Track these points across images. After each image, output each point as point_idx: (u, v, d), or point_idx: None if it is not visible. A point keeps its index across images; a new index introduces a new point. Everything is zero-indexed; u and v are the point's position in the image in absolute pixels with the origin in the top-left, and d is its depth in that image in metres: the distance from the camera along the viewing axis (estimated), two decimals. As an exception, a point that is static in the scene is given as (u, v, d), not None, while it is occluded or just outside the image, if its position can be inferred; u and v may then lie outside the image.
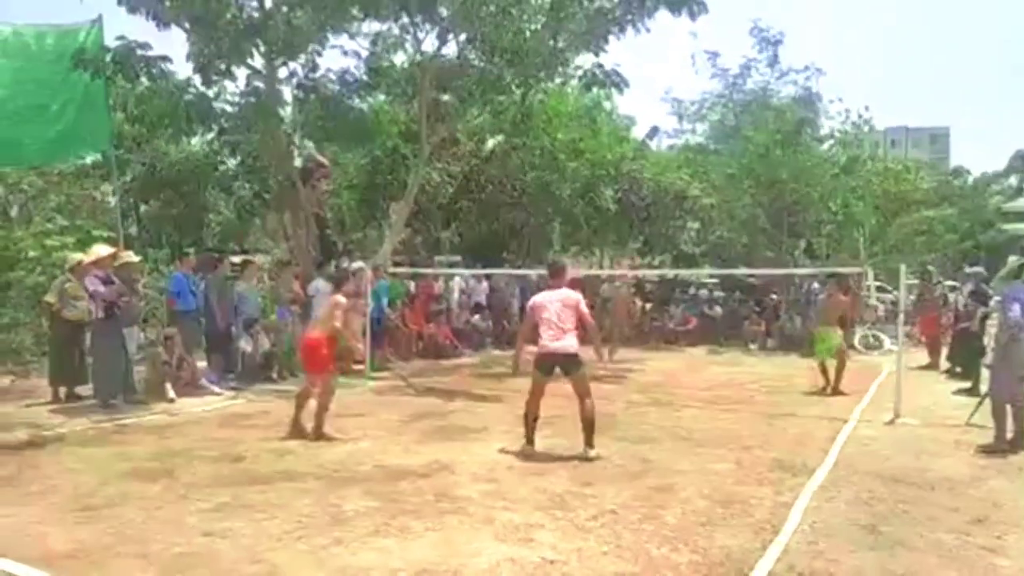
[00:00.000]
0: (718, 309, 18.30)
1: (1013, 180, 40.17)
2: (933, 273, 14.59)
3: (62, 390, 8.86)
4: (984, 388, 8.68)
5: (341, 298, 7.20)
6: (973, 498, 5.23)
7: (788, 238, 19.95)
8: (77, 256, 9.37)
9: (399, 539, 4.32)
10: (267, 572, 3.85)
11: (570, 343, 6.25)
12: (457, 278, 16.31)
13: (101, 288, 8.33)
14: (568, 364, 6.28)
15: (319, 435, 6.81)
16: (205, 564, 3.94)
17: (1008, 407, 6.68)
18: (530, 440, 6.42)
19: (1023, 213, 38.50)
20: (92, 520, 4.60)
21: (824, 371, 10.29)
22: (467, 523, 4.60)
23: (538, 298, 6.62)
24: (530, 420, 6.43)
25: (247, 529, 4.44)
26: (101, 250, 9.11)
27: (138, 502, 4.94)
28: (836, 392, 9.95)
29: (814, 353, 10.77)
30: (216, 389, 9.45)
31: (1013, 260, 7.26)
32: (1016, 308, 6.61)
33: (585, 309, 6.46)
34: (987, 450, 6.64)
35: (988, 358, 7.51)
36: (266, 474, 5.67)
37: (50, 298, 9.00)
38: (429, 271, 16.12)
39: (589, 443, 6.24)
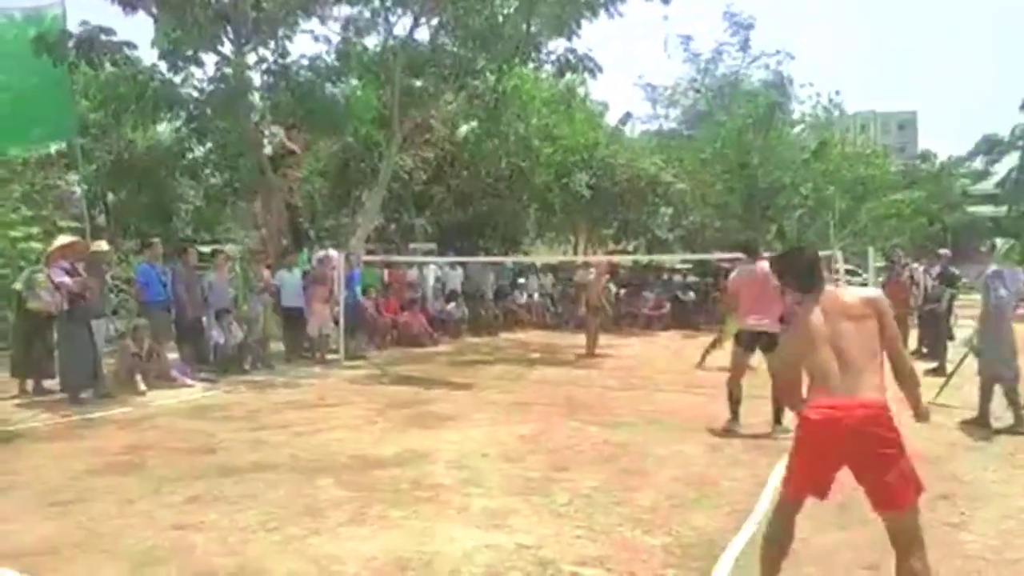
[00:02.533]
0: (691, 294, 18.45)
1: (978, 163, 40.82)
2: (901, 255, 14.78)
3: (29, 383, 8.70)
4: (949, 368, 8.89)
5: None
6: (938, 476, 5.33)
7: (760, 222, 20.16)
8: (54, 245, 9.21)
9: (374, 528, 4.31)
10: (241, 564, 3.83)
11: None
12: (432, 265, 16.27)
13: (66, 279, 8.17)
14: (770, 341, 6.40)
15: None
16: (178, 557, 3.90)
17: (997, 388, 6.83)
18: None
19: (988, 195, 39.22)
20: (61, 515, 4.53)
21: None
22: (442, 510, 4.61)
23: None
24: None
25: (221, 521, 4.40)
26: (65, 239, 8.95)
27: (108, 496, 4.88)
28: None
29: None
30: (187, 381, 9.34)
31: (1002, 243, 7.39)
32: (1002, 289, 6.74)
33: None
34: (968, 423, 6.83)
35: (974, 339, 7.60)
36: (239, 465, 5.62)
37: (17, 286, 8.81)
38: (403, 259, 16.06)
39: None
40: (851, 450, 3.07)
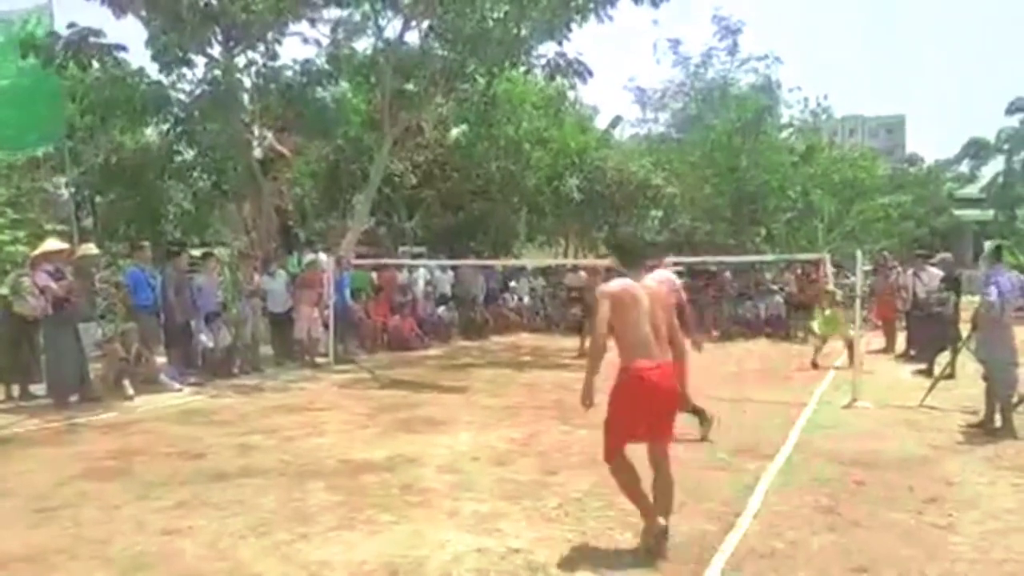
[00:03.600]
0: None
1: (965, 167, 41.10)
2: (888, 259, 14.88)
3: (15, 388, 8.62)
4: (937, 371, 8.93)
5: None
6: (927, 478, 5.38)
7: (749, 226, 20.26)
8: (39, 249, 9.16)
9: (364, 532, 4.30)
10: (230, 569, 3.81)
11: None
12: (422, 269, 16.24)
13: (51, 283, 8.11)
14: None
15: None
16: (166, 563, 3.88)
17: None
18: None
19: (974, 199, 39.49)
20: (48, 522, 4.50)
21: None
22: (432, 515, 4.60)
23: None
24: None
25: (209, 527, 4.38)
26: (52, 244, 8.89)
27: (96, 502, 4.84)
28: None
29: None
30: (175, 385, 9.28)
31: (990, 244, 7.40)
32: (993, 290, 6.71)
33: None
34: (976, 426, 6.83)
35: (972, 344, 7.60)
36: (228, 470, 5.59)
37: (2, 290, 8.74)
38: (393, 262, 16.02)
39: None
40: (662, 397, 4.06)
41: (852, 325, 10.65)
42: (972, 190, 39.58)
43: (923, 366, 10.29)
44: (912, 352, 11.84)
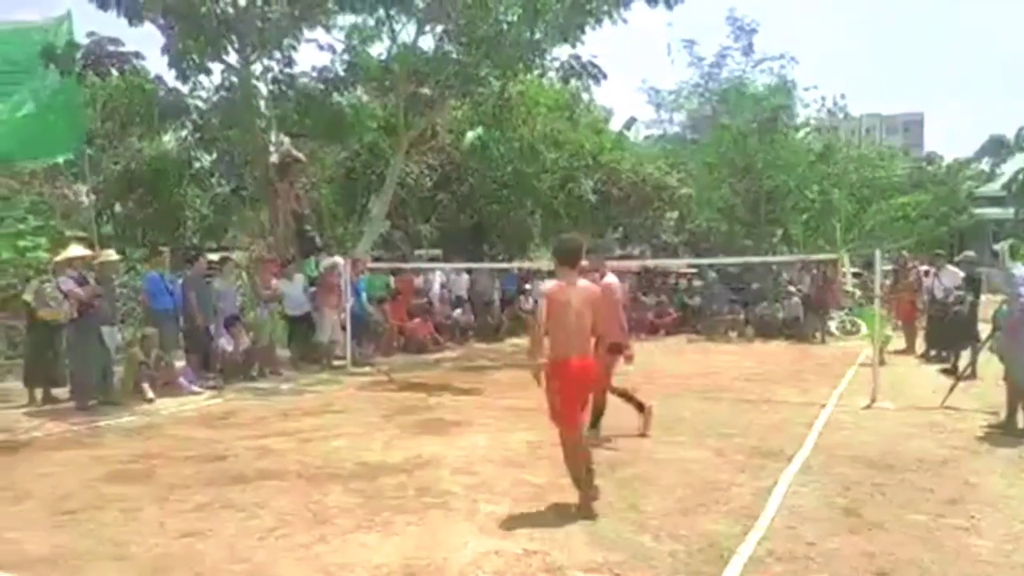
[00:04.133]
0: (697, 298, 18.40)
1: (985, 165, 40.65)
2: (907, 258, 14.74)
3: (38, 392, 8.74)
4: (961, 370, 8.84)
5: None
6: (948, 480, 5.32)
7: (765, 226, 20.15)
8: (63, 255, 9.29)
9: (382, 535, 4.31)
10: (249, 571, 3.84)
11: None
12: (438, 272, 16.28)
13: (76, 288, 8.23)
14: None
15: None
16: (186, 565, 3.91)
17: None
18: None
19: (994, 198, 39.06)
20: (70, 524, 4.55)
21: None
22: (450, 517, 4.61)
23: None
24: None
25: (229, 529, 4.42)
26: (76, 250, 9.01)
27: (117, 505, 4.90)
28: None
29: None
30: (194, 388, 9.37)
31: (1003, 247, 7.34)
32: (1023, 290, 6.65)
33: None
34: (998, 427, 6.75)
35: (996, 344, 7.52)
36: (247, 473, 5.63)
37: (27, 296, 8.87)
38: (409, 265, 16.08)
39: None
40: (582, 385, 4.74)
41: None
42: (992, 188, 39.15)
43: (948, 365, 10.20)
44: (932, 353, 11.73)
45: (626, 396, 6.74)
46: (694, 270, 19.94)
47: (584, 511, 4.53)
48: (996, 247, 7.44)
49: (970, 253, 12.00)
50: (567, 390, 4.64)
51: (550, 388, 4.67)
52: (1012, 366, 6.80)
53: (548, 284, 4.80)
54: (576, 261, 4.82)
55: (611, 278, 6.46)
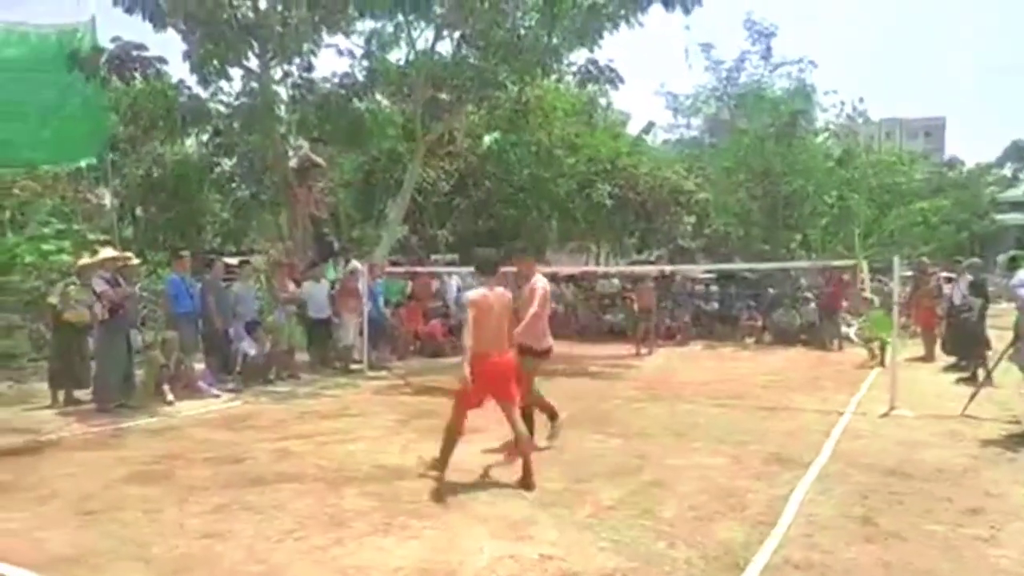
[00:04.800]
0: (714, 304, 18.33)
1: (1007, 170, 40.24)
2: (927, 264, 14.59)
3: (61, 393, 8.87)
4: (981, 377, 8.75)
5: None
6: (967, 489, 5.27)
7: (783, 231, 20.02)
8: (85, 260, 9.44)
9: (398, 538, 4.35)
10: (267, 573, 3.88)
11: None
12: (455, 276, 16.32)
13: (108, 289, 8.36)
14: None
15: None
16: (205, 566, 3.97)
17: None
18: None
19: (1017, 203, 38.61)
20: (92, 524, 4.63)
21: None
22: (465, 521, 4.63)
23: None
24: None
25: (247, 531, 4.47)
26: (109, 252, 9.20)
27: (138, 505, 4.97)
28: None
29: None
30: (213, 391, 9.46)
31: (1002, 258, 7.37)
32: (1022, 292, 6.64)
33: None
34: (1016, 437, 6.67)
35: (1013, 351, 7.48)
36: (265, 475, 5.69)
37: (52, 300, 9.01)
38: (426, 270, 16.14)
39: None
40: (503, 376, 5.45)
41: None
42: (1015, 194, 38.72)
43: (966, 374, 10.10)
44: (952, 360, 11.60)
45: (541, 405, 6.59)
46: (711, 275, 19.87)
47: (435, 466, 5.61)
48: (999, 257, 7.45)
49: (976, 260, 11.92)
50: (481, 380, 5.31)
51: (471, 376, 5.26)
52: None
53: (473, 292, 5.54)
54: (494, 270, 5.64)
55: (538, 280, 6.35)
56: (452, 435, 5.53)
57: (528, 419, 6.24)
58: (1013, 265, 7.10)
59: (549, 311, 6.49)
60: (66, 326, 8.80)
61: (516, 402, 5.58)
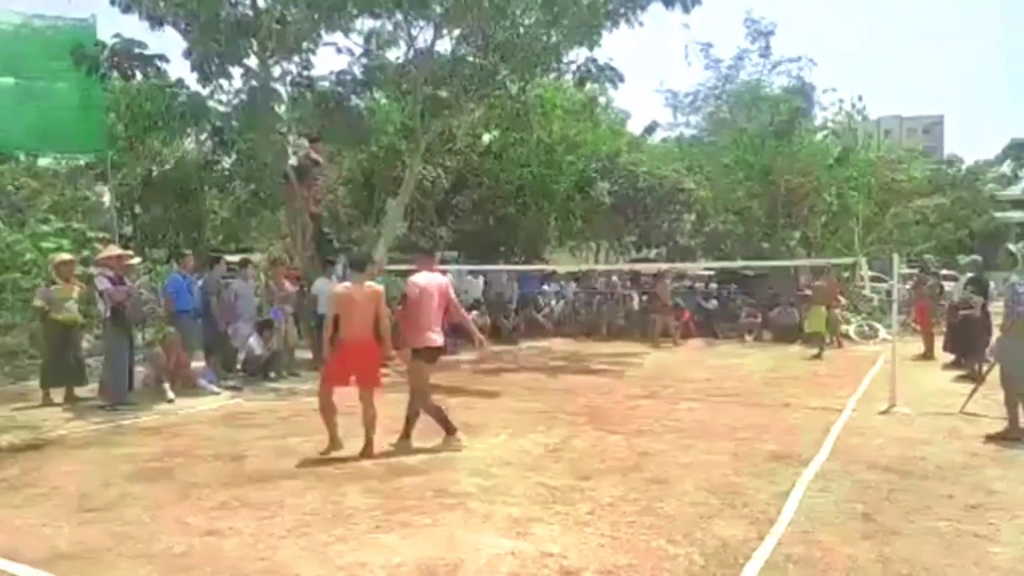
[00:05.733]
0: (714, 302, 18.35)
1: (1006, 168, 40.26)
2: (930, 262, 14.59)
3: (61, 392, 8.87)
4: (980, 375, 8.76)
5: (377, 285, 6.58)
6: (967, 486, 5.29)
7: (783, 229, 20.03)
8: (62, 256, 9.46)
9: (400, 535, 4.36)
10: (270, 570, 3.89)
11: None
12: (449, 275, 16.30)
13: (111, 287, 8.38)
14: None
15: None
16: (208, 563, 3.98)
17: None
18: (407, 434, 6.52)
19: (1016, 201, 38.63)
20: (94, 521, 4.64)
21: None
22: (467, 518, 4.65)
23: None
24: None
25: (249, 527, 4.48)
26: (114, 250, 9.23)
27: (140, 502, 4.98)
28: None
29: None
30: (214, 389, 9.48)
31: (1019, 247, 7.30)
32: None
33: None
34: (997, 438, 6.64)
35: (991, 348, 7.51)
36: (267, 472, 5.71)
37: (38, 302, 9.03)
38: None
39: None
40: (357, 361, 6.16)
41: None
42: (1014, 192, 38.74)
43: (965, 372, 10.12)
44: (952, 357, 11.63)
45: (437, 416, 6.48)
46: (711, 273, 19.89)
47: (328, 451, 6.17)
48: (1012, 247, 7.37)
49: (977, 257, 11.93)
50: (343, 362, 6.16)
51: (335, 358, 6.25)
52: (1009, 370, 6.81)
53: (340, 287, 6.52)
54: (362, 268, 6.41)
55: (414, 279, 6.38)
56: (325, 411, 6.19)
57: (408, 421, 6.47)
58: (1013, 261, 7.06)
59: (435, 308, 6.36)
60: (56, 325, 8.82)
61: (374, 387, 6.24)
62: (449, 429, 6.45)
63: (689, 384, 10.40)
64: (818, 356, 13.12)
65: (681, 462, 5.98)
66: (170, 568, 3.92)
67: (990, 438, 6.69)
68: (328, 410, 6.21)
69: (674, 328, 15.97)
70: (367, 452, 6.10)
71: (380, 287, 6.39)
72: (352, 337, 6.14)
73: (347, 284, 6.28)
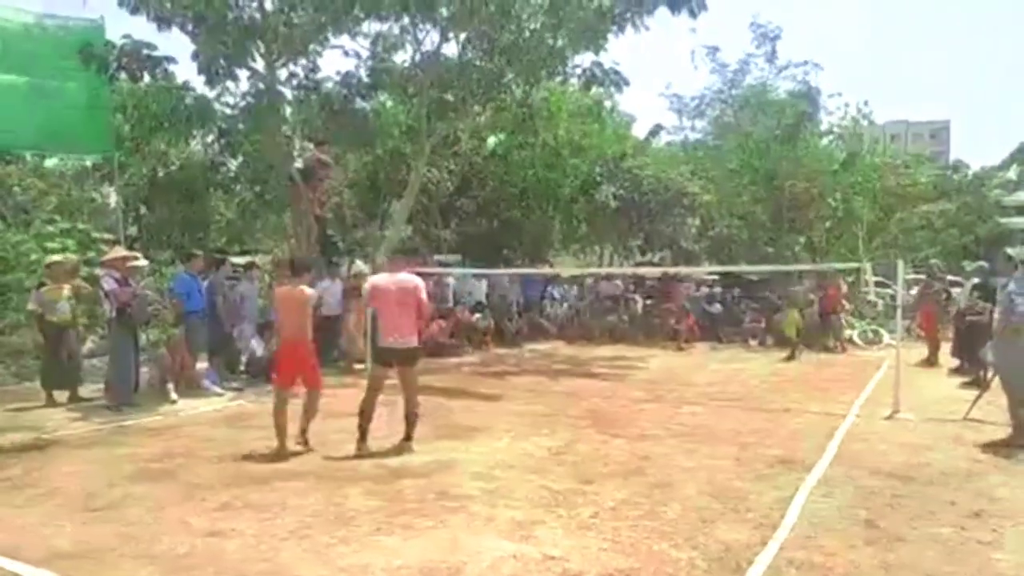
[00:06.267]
0: (718, 306, 18.31)
1: (1012, 174, 40.16)
2: (936, 268, 14.53)
3: (64, 393, 8.89)
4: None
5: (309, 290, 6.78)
6: (970, 492, 5.27)
7: (788, 234, 20.00)
8: (54, 257, 9.49)
9: (402, 537, 4.36)
10: (271, 571, 3.90)
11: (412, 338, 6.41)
12: (451, 277, 16.31)
13: (117, 288, 8.40)
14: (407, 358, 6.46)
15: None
16: (210, 564, 3.98)
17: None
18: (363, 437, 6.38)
19: (1022, 207, 38.50)
20: (97, 521, 4.65)
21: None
22: (469, 521, 4.64)
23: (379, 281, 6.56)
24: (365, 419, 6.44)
25: (251, 529, 4.49)
26: (120, 251, 9.27)
27: (142, 503, 5.00)
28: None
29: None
30: (217, 390, 9.49)
31: (1018, 251, 7.27)
32: (1021, 302, 6.60)
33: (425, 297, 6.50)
34: (1001, 444, 6.61)
35: (988, 353, 7.50)
36: (269, 474, 5.72)
37: (31, 306, 9.06)
38: (425, 270, 16.13)
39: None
40: (295, 363, 6.50)
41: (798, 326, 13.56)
42: (1020, 197, 38.62)
43: (969, 378, 10.08)
44: (958, 361, 11.58)
45: (363, 416, 6.41)
46: (714, 277, 19.87)
47: (279, 450, 6.32)
48: (1010, 251, 7.33)
49: (983, 263, 11.89)
50: (285, 362, 6.55)
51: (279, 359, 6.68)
52: (1009, 375, 6.81)
53: (279, 289, 6.94)
54: (300, 272, 6.79)
55: (374, 280, 6.60)
56: (275, 412, 6.42)
57: (407, 422, 6.50)
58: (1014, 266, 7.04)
59: (393, 308, 6.28)
60: (50, 326, 8.85)
61: (312, 388, 6.54)
62: (361, 437, 6.32)
63: (692, 388, 10.39)
64: (790, 358, 13.41)
65: (684, 466, 5.97)
66: (172, 568, 3.93)
67: (989, 446, 6.65)
68: (280, 411, 6.40)
69: (681, 331, 16.06)
70: (300, 439, 6.43)
71: (311, 291, 6.64)
72: (287, 337, 6.54)
73: (286, 288, 6.64)
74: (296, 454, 6.35)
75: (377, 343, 6.46)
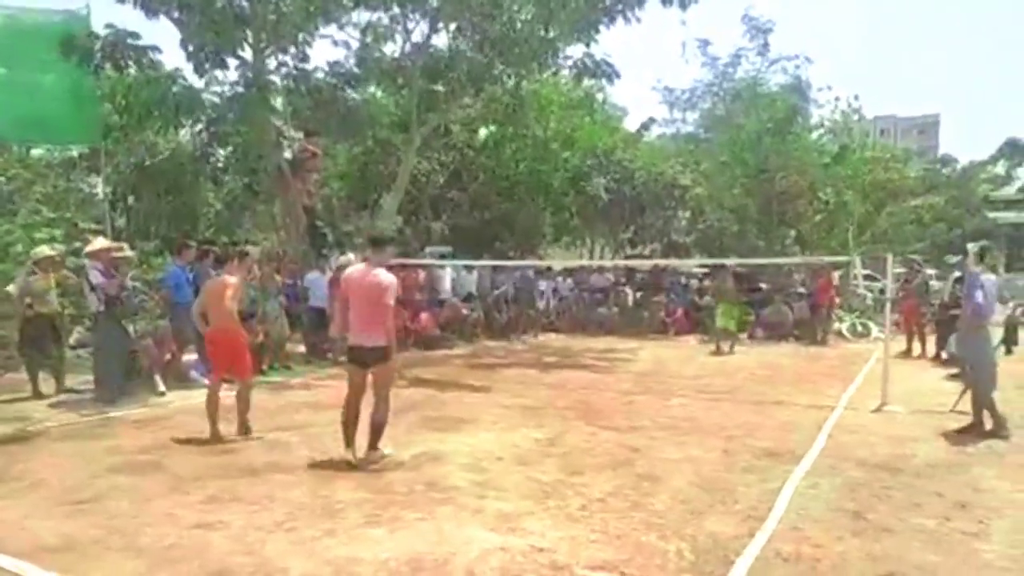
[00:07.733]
0: (708, 298, 18.34)
1: (1001, 168, 40.37)
2: (917, 261, 14.62)
3: (52, 384, 8.82)
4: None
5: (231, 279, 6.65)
6: (956, 484, 5.30)
7: (778, 227, 20.07)
8: (43, 250, 9.39)
9: (390, 529, 4.34)
10: (258, 563, 3.87)
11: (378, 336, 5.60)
12: (447, 268, 16.28)
13: (104, 281, 8.32)
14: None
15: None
16: (196, 556, 3.95)
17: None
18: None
19: (1010, 201, 38.74)
20: (82, 513, 4.61)
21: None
22: (457, 513, 4.63)
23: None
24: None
25: (238, 521, 4.46)
26: (103, 242, 9.14)
27: (128, 495, 4.95)
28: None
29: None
30: (205, 381, 9.40)
31: (972, 246, 7.36)
32: (979, 295, 6.69)
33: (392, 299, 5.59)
34: (979, 436, 6.69)
35: (952, 346, 7.62)
36: (256, 466, 5.68)
37: (12, 288, 8.98)
38: (413, 262, 16.10)
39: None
40: (223, 352, 6.67)
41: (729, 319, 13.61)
42: (1008, 192, 38.86)
43: (955, 371, 10.13)
44: (943, 355, 11.66)
45: (344, 421, 5.81)
46: (705, 270, 19.90)
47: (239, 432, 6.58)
48: (970, 246, 7.42)
49: (965, 257, 11.95)
50: (213, 352, 6.81)
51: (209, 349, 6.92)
52: (975, 367, 6.92)
53: (210, 281, 7.03)
54: (223, 263, 7.07)
55: (350, 268, 6.10)
56: (208, 402, 6.59)
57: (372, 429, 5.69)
58: (982, 258, 7.13)
59: (360, 303, 5.62)
60: (38, 317, 8.77)
61: (240, 377, 6.62)
62: (347, 443, 5.72)
63: (682, 380, 10.41)
64: (718, 352, 13.34)
65: (673, 458, 5.97)
66: (158, 561, 3.90)
67: (958, 431, 6.80)
68: (211, 401, 6.58)
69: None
70: (239, 431, 6.61)
71: (233, 280, 6.68)
72: (212, 326, 6.65)
73: (219, 279, 6.77)
74: (285, 445, 6.32)
75: (348, 340, 5.76)
